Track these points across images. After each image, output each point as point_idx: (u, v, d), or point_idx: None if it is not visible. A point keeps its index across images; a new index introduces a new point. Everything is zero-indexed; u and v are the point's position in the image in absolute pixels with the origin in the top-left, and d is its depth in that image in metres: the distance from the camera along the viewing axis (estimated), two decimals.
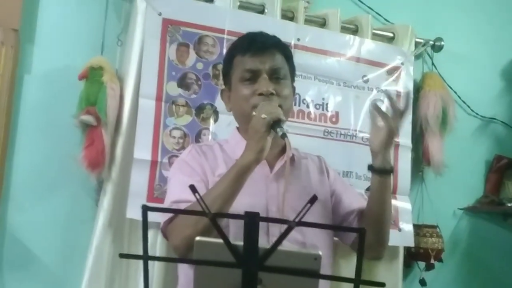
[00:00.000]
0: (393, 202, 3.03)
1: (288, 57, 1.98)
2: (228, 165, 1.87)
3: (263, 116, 1.69)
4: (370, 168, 1.89)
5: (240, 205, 1.71)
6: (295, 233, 1.75)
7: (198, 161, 1.92)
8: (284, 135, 1.68)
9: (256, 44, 1.91)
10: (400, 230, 3.04)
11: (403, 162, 3.11)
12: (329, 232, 1.97)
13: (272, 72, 1.88)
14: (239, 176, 1.69)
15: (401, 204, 3.08)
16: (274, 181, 1.89)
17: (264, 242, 1.68)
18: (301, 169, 2.00)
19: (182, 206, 1.76)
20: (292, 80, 2.00)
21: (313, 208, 1.73)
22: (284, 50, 1.98)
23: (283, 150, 1.94)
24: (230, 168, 1.74)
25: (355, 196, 2.10)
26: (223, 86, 2.06)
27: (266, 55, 1.89)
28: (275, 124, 1.70)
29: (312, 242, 1.86)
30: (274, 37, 2.01)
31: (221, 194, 1.69)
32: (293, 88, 2.02)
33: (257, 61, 1.88)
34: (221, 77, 2.70)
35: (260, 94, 1.84)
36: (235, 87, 1.93)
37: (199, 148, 1.98)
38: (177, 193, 1.85)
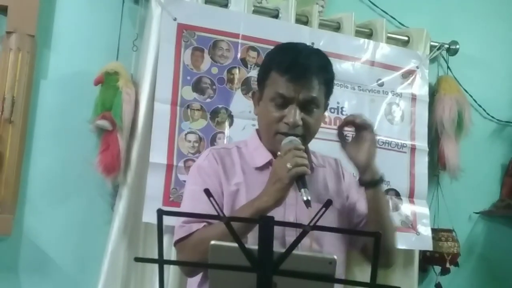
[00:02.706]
0: (410, 206, 3.03)
1: (329, 81, 1.90)
2: (245, 173, 1.87)
3: (289, 166, 1.66)
4: (363, 183, 1.89)
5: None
6: (312, 243, 1.78)
7: (214, 168, 1.88)
8: (307, 203, 1.63)
9: (297, 68, 1.80)
10: (418, 233, 3.03)
11: (420, 166, 3.10)
12: (344, 240, 1.96)
13: (305, 103, 1.82)
14: (254, 216, 1.65)
15: (418, 208, 3.06)
16: (292, 190, 1.86)
17: (279, 250, 1.70)
18: (318, 178, 1.98)
19: (194, 227, 1.76)
20: (327, 100, 1.93)
21: (329, 216, 1.74)
22: (326, 74, 1.89)
23: None
24: (246, 206, 1.72)
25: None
26: (256, 89, 1.99)
27: (303, 83, 1.80)
28: (300, 179, 1.67)
29: (329, 251, 1.84)
30: (318, 58, 1.89)
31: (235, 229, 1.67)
32: (326, 106, 1.96)
33: (291, 88, 1.80)
34: (237, 83, 2.73)
35: (287, 123, 1.81)
36: (265, 102, 1.87)
37: (216, 153, 1.93)
38: (188, 205, 1.86)
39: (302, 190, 1.65)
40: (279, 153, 1.73)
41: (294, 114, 1.80)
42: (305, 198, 1.64)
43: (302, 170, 1.66)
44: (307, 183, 1.67)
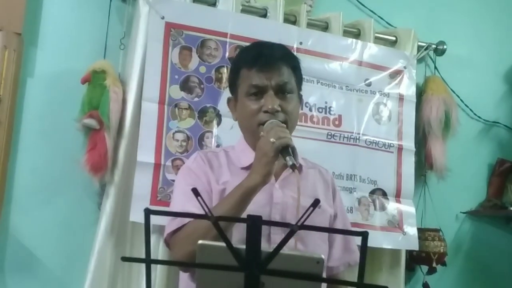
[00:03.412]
0: (397, 206, 3.04)
1: (296, 68, 1.96)
2: (232, 172, 1.89)
3: (272, 140, 1.70)
4: None
5: (254, 213, 1.71)
6: (297, 243, 1.77)
7: (202, 169, 1.92)
8: (293, 166, 1.67)
9: (263, 58, 1.88)
10: (404, 233, 3.04)
11: (407, 166, 3.11)
12: (327, 241, 1.97)
13: (278, 88, 1.87)
14: (244, 197, 1.71)
15: (405, 207, 3.07)
16: (279, 190, 1.89)
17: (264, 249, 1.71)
18: (307, 179, 2.00)
19: (186, 219, 1.77)
20: (299, 90, 1.99)
21: (316, 217, 1.72)
22: (292, 61, 1.95)
23: None
24: (235, 189, 1.75)
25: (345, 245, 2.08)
26: (230, 95, 2.04)
27: (272, 70, 1.86)
28: (284, 150, 1.70)
29: (314, 251, 1.85)
30: (281, 48, 1.99)
31: (226, 212, 1.69)
32: (300, 97, 2.01)
33: (263, 77, 1.86)
34: (225, 83, 2.73)
35: (266, 112, 1.84)
36: (241, 100, 1.92)
37: (204, 156, 1.98)
38: (180, 206, 1.86)
39: (287, 157, 1.68)
40: (261, 133, 1.77)
41: (271, 101, 1.84)
42: (290, 163, 1.67)
43: (285, 141, 1.70)
44: (291, 153, 1.70)
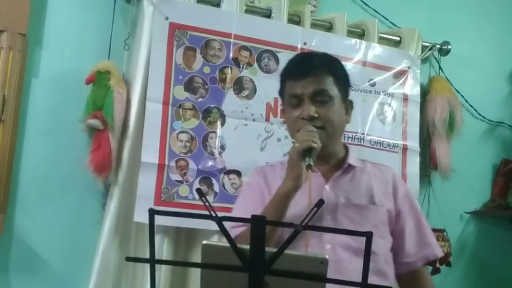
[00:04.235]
0: None
1: (337, 75, 1.97)
2: None
3: (296, 144, 1.77)
4: None
5: (294, 215, 1.78)
6: (348, 240, 1.82)
7: (258, 183, 2.02)
8: (309, 167, 1.72)
9: (301, 68, 1.95)
10: None
11: (412, 166, 3.11)
12: (387, 237, 1.97)
13: (315, 95, 1.90)
14: (280, 202, 1.77)
15: None
16: (329, 191, 1.93)
17: (316, 249, 1.78)
18: (362, 178, 2.01)
19: (239, 230, 1.81)
20: (345, 96, 2.00)
21: (369, 213, 1.86)
22: (331, 69, 1.97)
23: (342, 161, 2.00)
24: (273, 196, 1.82)
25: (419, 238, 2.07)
26: (282, 105, 2.10)
27: (309, 78, 1.90)
28: (306, 152, 1.74)
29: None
30: (323, 56, 2.03)
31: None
32: (349, 103, 2.03)
33: (300, 86, 1.91)
34: (229, 83, 2.73)
35: (303, 119, 1.89)
36: (287, 109, 1.99)
37: (260, 170, 2.09)
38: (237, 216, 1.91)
39: (306, 158, 1.73)
40: (293, 140, 1.83)
41: (307, 108, 1.88)
42: (306, 164, 1.72)
43: (307, 144, 1.75)
44: (312, 155, 1.74)
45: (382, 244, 1.93)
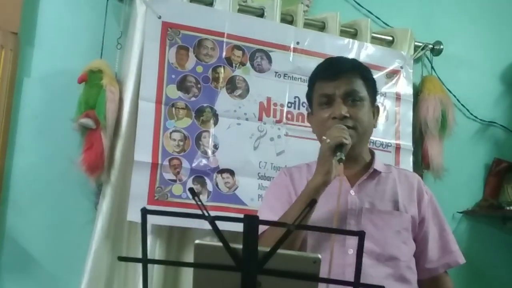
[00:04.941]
0: None
1: (367, 79, 2.02)
2: None
3: (328, 140, 1.78)
4: None
5: (319, 218, 1.81)
6: (372, 245, 1.84)
7: (284, 183, 2.04)
8: (340, 160, 1.73)
9: (332, 69, 1.98)
10: None
11: (405, 165, 3.10)
12: (410, 243, 1.98)
13: (347, 95, 1.93)
14: (309, 197, 1.77)
15: None
16: (354, 196, 1.95)
17: (339, 254, 1.78)
18: (387, 184, 2.02)
19: (264, 228, 1.81)
20: (373, 100, 2.03)
21: (392, 219, 1.89)
22: (362, 72, 2.02)
23: (368, 166, 2.02)
24: (302, 192, 1.84)
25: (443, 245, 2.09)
26: (309, 110, 2.12)
27: (341, 79, 1.94)
28: (337, 148, 1.76)
29: (391, 253, 1.89)
30: (352, 60, 2.08)
31: (295, 216, 1.70)
32: (376, 108, 2.06)
33: (331, 86, 1.94)
34: (222, 82, 2.73)
35: (334, 118, 1.90)
36: (315, 111, 2.01)
37: (287, 171, 2.11)
38: (264, 216, 1.91)
39: (338, 153, 1.75)
40: (323, 137, 1.82)
41: (338, 107, 1.91)
42: (338, 158, 1.74)
43: (338, 140, 1.77)
44: (343, 151, 1.76)
45: (404, 250, 1.94)
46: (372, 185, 1.98)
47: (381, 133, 3.07)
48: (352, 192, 1.95)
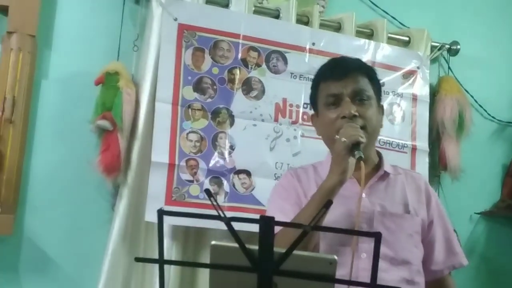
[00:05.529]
0: None
1: (372, 78, 1.99)
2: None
3: (343, 139, 1.74)
4: None
5: (331, 222, 1.77)
6: (385, 249, 1.81)
7: (292, 184, 1.99)
8: (360, 158, 1.71)
9: (338, 69, 1.95)
10: None
11: (421, 166, 3.09)
12: (420, 246, 1.96)
13: (355, 94, 1.90)
14: (324, 198, 1.72)
15: None
16: (365, 198, 1.91)
17: (348, 258, 1.72)
18: (396, 186, 2.00)
19: (277, 229, 1.79)
20: (379, 100, 2.00)
21: (404, 222, 1.87)
22: (367, 71, 1.99)
23: (377, 168, 1.99)
24: (315, 192, 1.79)
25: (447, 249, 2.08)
26: (313, 112, 2.08)
27: (348, 79, 1.91)
28: (354, 146, 1.73)
29: (404, 257, 1.87)
30: (356, 60, 2.05)
31: (309, 217, 1.68)
32: (381, 107, 2.03)
33: (339, 86, 1.90)
34: (238, 84, 2.73)
35: (344, 117, 1.87)
36: (321, 112, 1.96)
37: (294, 172, 2.05)
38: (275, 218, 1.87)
39: (355, 152, 1.72)
40: (336, 136, 1.79)
41: (347, 106, 1.87)
42: (357, 156, 1.71)
43: (355, 138, 1.74)
44: (360, 149, 1.73)
45: (417, 254, 1.93)
46: (382, 188, 1.95)
47: (397, 134, 3.06)
48: (363, 195, 1.89)
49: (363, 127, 1.84)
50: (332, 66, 2.00)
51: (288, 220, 1.79)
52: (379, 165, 2.00)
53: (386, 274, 1.79)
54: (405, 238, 1.89)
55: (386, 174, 1.98)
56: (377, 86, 1.99)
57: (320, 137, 2.01)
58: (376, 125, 1.95)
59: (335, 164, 1.77)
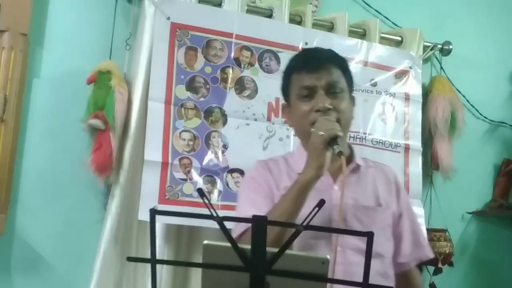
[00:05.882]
0: None
1: (345, 70, 1.97)
2: (291, 178, 1.88)
3: (321, 133, 1.72)
4: None
5: (304, 215, 1.72)
6: (358, 242, 1.79)
7: (263, 177, 1.96)
8: (340, 153, 1.70)
9: (312, 61, 1.92)
10: None
11: (414, 166, 3.10)
12: (391, 239, 1.96)
13: (329, 87, 1.88)
14: (300, 192, 1.72)
15: (413, 207, 3.05)
16: (338, 191, 1.87)
17: (327, 252, 1.71)
18: (367, 179, 1.99)
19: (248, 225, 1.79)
20: (350, 92, 1.99)
21: (377, 216, 1.86)
22: (340, 63, 1.97)
23: (348, 160, 1.95)
24: (292, 185, 1.77)
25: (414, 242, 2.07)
26: (284, 102, 2.06)
27: (321, 71, 1.89)
28: (332, 141, 1.72)
29: (377, 250, 1.84)
30: (329, 51, 2.01)
31: (285, 210, 1.71)
32: (353, 99, 2.01)
33: (313, 78, 1.88)
34: (231, 83, 2.73)
35: (318, 111, 1.85)
36: (294, 104, 1.94)
37: (264, 164, 2.01)
38: (245, 211, 1.88)
39: (334, 146, 1.71)
40: (312, 129, 1.78)
41: (322, 99, 1.85)
42: (337, 151, 1.70)
43: (333, 132, 1.72)
44: (338, 143, 1.72)
45: (389, 247, 1.93)
46: (354, 180, 1.93)
47: (390, 133, 3.07)
48: (336, 187, 1.90)
49: (337, 120, 1.83)
50: (305, 58, 1.97)
51: (261, 213, 1.75)
52: (350, 157, 1.98)
53: (360, 267, 1.78)
54: (378, 231, 1.86)
55: (357, 167, 1.97)
56: (349, 77, 1.98)
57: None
58: (349, 118, 1.94)
59: (312, 158, 1.75)
